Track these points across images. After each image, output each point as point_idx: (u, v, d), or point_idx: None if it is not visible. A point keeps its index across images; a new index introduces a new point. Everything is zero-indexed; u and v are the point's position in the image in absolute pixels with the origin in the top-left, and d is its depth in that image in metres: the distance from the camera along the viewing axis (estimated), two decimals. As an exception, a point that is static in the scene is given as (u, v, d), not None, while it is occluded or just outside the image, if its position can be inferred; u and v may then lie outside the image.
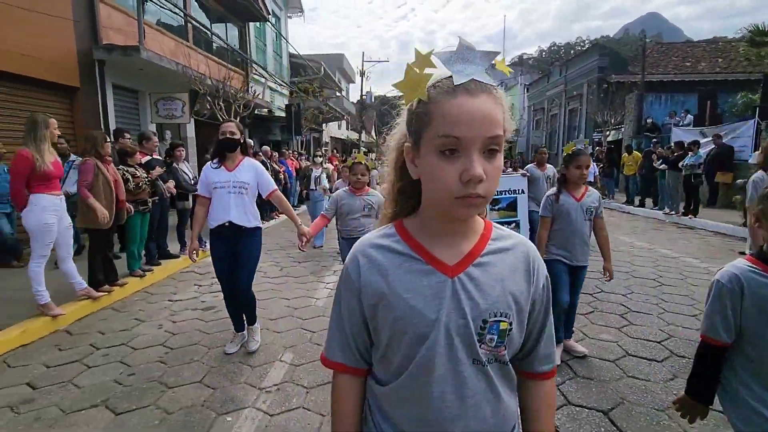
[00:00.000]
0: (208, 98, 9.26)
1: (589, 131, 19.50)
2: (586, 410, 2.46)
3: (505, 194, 5.03)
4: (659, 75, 17.73)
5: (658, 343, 3.32)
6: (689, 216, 9.26)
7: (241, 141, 3.10)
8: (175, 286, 5.05)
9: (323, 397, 2.66)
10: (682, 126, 13.70)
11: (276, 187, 3.29)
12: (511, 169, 9.26)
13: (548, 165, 5.68)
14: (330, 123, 25.77)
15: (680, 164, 9.64)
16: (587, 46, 49.21)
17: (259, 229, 3.19)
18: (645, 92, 15.85)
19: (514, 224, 5.01)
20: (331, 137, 28.06)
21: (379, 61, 28.64)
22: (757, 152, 6.39)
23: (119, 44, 7.48)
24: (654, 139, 12.72)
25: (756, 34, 12.40)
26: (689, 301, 4.23)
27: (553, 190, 3.00)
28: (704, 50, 20.67)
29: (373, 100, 34.23)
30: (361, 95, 28.52)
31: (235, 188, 3.03)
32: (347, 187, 3.62)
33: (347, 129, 33.23)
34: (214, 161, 3.10)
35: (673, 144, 10.80)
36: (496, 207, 5.01)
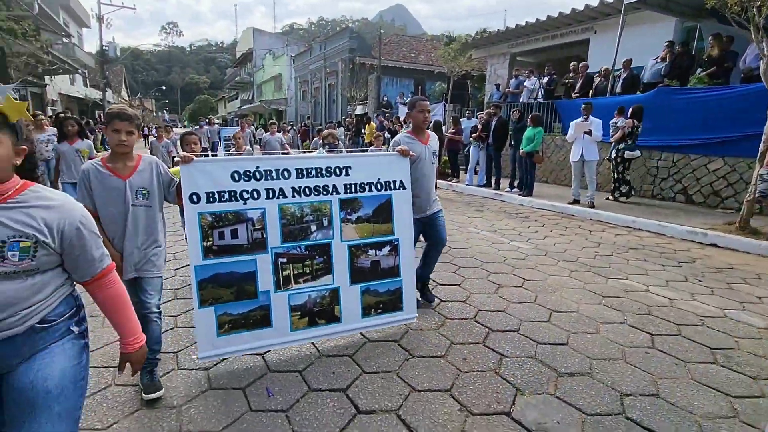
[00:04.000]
0: None
1: (344, 105, 22.49)
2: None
3: (370, 189, 2.65)
4: (393, 61, 21.95)
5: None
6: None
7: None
8: None
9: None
10: (406, 105, 17.81)
11: None
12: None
13: (430, 133, 3.15)
14: (57, 76, 20.84)
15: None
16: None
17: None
18: (382, 74, 19.47)
19: (389, 248, 2.73)
20: (61, 94, 22.62)
21: (122, 7, 24.27)
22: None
23: None
24: (387, 114, 16.12)
25: (448, 41, 17.20)
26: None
27: None
28: (424, 45, 26.50)
29: (118, 53, 28.91)
30: (101, 45, 23.85)
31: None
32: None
33: (85, 86, 27.28)
34: None
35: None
36: (354, 216, 2.61)
